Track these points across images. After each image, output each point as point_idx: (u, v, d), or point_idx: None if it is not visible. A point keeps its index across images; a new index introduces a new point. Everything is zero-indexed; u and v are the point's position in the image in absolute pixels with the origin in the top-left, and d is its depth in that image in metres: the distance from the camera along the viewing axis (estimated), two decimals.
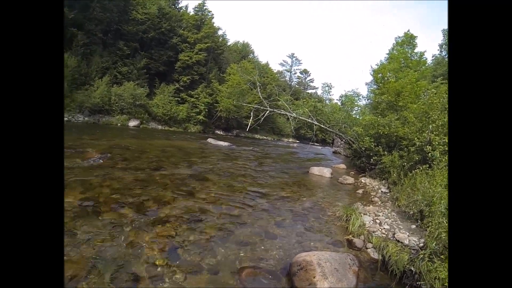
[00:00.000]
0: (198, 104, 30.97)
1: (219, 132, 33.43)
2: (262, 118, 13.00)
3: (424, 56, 22.74)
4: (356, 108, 13.65)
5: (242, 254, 3.01)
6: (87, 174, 5.05)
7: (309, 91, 67.77)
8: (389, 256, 3.19)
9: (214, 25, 35.01)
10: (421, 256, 2.87)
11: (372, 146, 8.72)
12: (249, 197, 5.07)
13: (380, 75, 13.99)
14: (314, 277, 2.47)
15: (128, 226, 3.21)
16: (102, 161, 6.24)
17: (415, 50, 23.59)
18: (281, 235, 3.66)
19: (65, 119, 19.25)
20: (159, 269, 2.57)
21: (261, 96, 13.41)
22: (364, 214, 4.54)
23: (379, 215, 4.54)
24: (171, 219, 3.58)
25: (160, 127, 26.90)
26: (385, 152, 7.88)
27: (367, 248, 3.59)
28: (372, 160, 8.82)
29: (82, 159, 6.22)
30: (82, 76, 22.44)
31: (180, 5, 36.55)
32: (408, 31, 24.37)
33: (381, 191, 6.82)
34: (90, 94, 21.89)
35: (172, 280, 2.47)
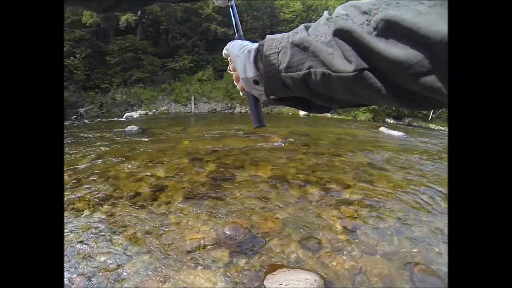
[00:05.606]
0: None
1: (389, 121, 30.83)
2: None
3: None
4: None
5: (416, 250, 3.03)
6: (273, 155, 6.04)
7: None
8: None
9: None
10: None
11: None
12: (427, 194, 4.70)
13: None
14: None
15: (314, 202, 3.77)
16: (284, 145, 7.22)
17: None
18: None
19: (243, 110, 22.02)
20: (339, 242, 2.95)
21: None
22: None
23: None
24: (352, 201, 3.90)
25: (329, 115, 27.47)
26: None
27: None
28: None
29: (267, 142, 7.38)
30: None
31: None
32: None
33: None
34: None
35: (350, 254, 2.81)
